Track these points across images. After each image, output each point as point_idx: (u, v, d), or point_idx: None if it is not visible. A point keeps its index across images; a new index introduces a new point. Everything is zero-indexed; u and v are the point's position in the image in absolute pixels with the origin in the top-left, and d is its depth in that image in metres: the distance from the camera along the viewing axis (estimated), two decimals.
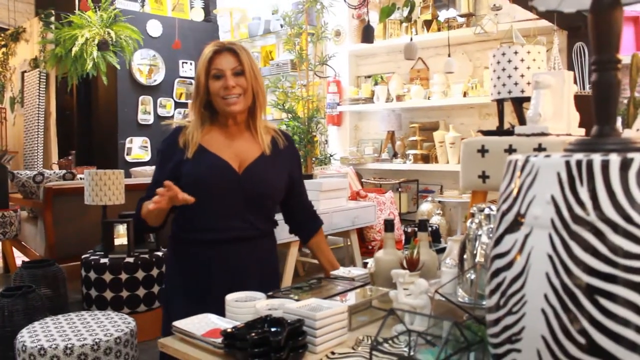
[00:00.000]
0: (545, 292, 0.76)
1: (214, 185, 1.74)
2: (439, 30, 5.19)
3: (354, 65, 6.06)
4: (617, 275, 0.71)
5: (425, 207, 5.10)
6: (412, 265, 1.48)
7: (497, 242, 0.87)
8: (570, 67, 4.24)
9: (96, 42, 6.23)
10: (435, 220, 4.92)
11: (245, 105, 1.77)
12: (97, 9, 6.34)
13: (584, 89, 4.22)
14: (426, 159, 5.25)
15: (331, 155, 5.68)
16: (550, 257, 0.76)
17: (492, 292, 0.87)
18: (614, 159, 0.73)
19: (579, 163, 0.75)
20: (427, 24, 5.29)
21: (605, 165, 0.73)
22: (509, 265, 0.83)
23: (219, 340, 1.27)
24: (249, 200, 1.77)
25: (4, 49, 9.65)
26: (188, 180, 1.73)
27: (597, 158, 0.74)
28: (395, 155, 5.54)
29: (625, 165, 0.72)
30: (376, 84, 5.73)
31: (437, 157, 5.15)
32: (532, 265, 0.79)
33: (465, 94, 4.96)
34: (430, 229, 2.09)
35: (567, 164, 0.76)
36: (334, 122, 5.95)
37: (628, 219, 0.71)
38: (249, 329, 1.25)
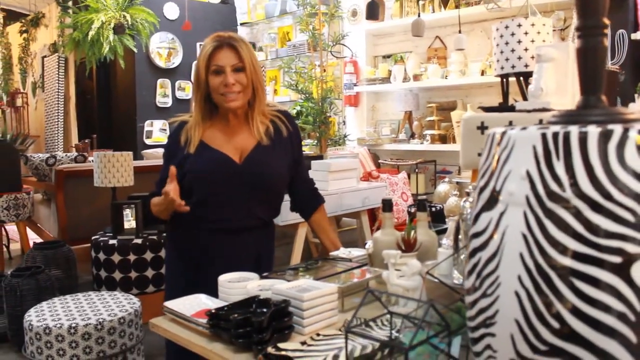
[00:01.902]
0: (519, 273, 0.72)
1: (218, 179, 1.77)
2: (456, 7, 5.05)
3: (371, 45, 5.95)
4: (593, 256, 0.66)
5: (442, 188, 5.00)
6: (409, 245, 1.44)
7: (474, 220, 0.82)
8: None
9: (112, 25, 6.23)
10: (452, 201, 4.83)
11: (244, 101, 1.78)
12: None
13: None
14: (444, 139, 5.15)
15: (345, 136, 5.61)
16: (524, 236, 0.72)
17: (469, 273, 0.83)
18: (593, 131, 0.67)
19: (555, 135, 0.70)
20: (444, 1, 5.16)
21: (583, 138, 0.68)
22: (485, 245, 0.78)
23: (206, 320, 1.25)
24: (253, 189, 1.79)
25: (25, 35, 9.76)
26: (192, 176, 1.77)
27: (574, 130, 0.69)
28: (412, 135, 5.45)
29: (605, 138, 0.67)
30: (395, 63, 5.62)
31: (454, 138, 5.04)
32: (507, 245, 0.74)
33: (483, 73, 4.83)
34: (433, 209, 2.04)
35: (544, 136, 0.71)
36: (350, 102, 5.86)
37: (607, 195, 0.66)
38: (234, 309, 1.24)
